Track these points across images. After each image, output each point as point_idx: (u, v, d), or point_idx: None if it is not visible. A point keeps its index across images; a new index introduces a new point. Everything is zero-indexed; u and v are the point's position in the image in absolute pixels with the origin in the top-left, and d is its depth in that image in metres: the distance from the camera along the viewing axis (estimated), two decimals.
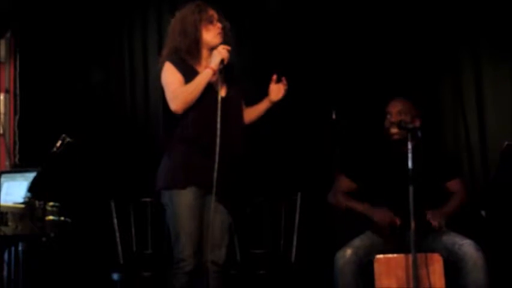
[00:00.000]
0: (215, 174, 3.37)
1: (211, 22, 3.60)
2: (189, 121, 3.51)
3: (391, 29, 4.86)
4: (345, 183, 4.16)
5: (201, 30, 3.58)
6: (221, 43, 3.57)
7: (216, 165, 3.37)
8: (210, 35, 3.59)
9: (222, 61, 3.50)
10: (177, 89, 3.50)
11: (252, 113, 3.78)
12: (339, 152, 4.75)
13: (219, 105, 3.41)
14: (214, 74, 3.49)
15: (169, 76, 3.55)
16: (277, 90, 3.70)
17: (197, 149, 3.48)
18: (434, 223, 3.83)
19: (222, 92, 3.56)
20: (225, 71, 3.57)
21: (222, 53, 3.51)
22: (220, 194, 3.48)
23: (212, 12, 3.62)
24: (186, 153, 3.51)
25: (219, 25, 3.60)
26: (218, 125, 3.38)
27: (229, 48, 3.54)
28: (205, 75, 3.49)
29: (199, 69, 3.58)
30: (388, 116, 4.06)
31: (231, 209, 3.59)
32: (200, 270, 3.49)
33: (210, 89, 3.52)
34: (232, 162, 3.54)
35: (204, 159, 3.44)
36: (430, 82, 4.84)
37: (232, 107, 3.59)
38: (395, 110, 4.06)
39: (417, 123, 4.00)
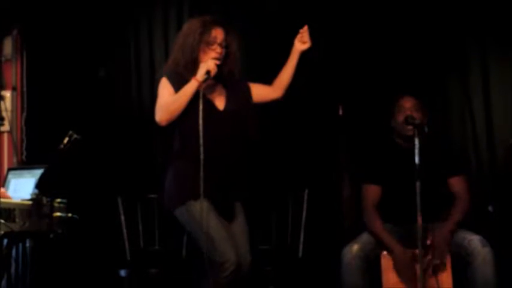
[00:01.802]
0: (202, 183, 3.36)
1: (210, 45, 3.56)
2: (185, 135, 3.55)
3: (397, 25, 4.84)
4: (371, 191, 4.09)
5: (199, 51, 3.56)
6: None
7: (201, 173, 3.35)
8: (206, 58, 3.55)
9: (207, 73, 3.47)
10: (162, 101, 3.53)
11: (284, 77, 3.78)
12: (346, 150, 4.75)
13: (200, 116, 3.39)
14: (199, 85, 3.48)
15: (161, 90, 3.57)
16: (304, 38, 3.74)
17: (196, 164, 3.42)
18: (436, 262, 3.82)
19: (221, 106, 3.59)
20: (228, 83, 3.61)
21: (208, 65, 3.49)
22: (226, 206, 3.54)
23: (216, 34, 3.57)
24: (186, 168, 3.51)
25: (218, 50, 3.57)
26: (201, 135, 3.36)
27: (217, 62, 3.51)
28: (189, 86, 3.48)
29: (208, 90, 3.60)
30: (402, 111, 4.04)
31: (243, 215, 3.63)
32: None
33: (206, 102, 3.52)
34: (233, 174, 3.55)
35: (205, 173, 3.41)
36: (437, 77, 4.82)
37: (232, 120, 3.58)
38: (409, 105, 4.05)
39: (425, 120, 4.00)
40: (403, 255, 3.88)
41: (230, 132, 3.56)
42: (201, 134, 3.38)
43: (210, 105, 3.56)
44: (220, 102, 3.61)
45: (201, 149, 3.37)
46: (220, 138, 3.51)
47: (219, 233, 3.44)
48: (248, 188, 3.66)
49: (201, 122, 3.39)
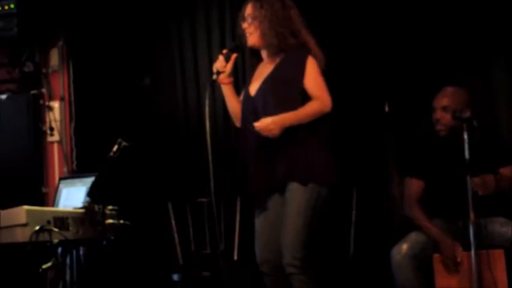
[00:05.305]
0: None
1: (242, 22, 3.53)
2: None
3: (441, 19, 4.78)
4: (414, 185, 4.05)
5: (244, 36, 3.54)
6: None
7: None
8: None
9: (217, 72, 3.42)
10: None
11: None
12: (393, 147, 4.71)
13: (207, 104, 3.37)
14: (224, 84, 3.49)
15: None
16: None
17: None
18: (481, 192, 3.64)
19: (253, 90, 3.50)
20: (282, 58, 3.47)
21: (216, 64, 3.46)
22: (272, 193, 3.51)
23: (244, 12, 3.49)
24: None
25: (249, 30, 3.48)
26: (206, 122, 3.35)
27: (222, 52, 3.46)
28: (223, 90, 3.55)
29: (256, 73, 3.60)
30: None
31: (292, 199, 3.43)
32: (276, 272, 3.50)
33: (247, 88, 3.56)
34: (271, 160, 3.42)
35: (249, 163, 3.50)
36: (482, 70, 4.75)
37: (260, 103, 3.45)
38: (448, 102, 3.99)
39: (468, 112, 3.91)
40: (451, 246, 3.80)
41: (257, 117, 3.39)
42: (207, 123, 3.38)
43: (246, 91, 3.54)
44: (254, 87, 3.52)
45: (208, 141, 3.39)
46: (252, 126, 3.40)
47: (257, 231, 3.53)
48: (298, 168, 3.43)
49: (207, 115, 3.36)
